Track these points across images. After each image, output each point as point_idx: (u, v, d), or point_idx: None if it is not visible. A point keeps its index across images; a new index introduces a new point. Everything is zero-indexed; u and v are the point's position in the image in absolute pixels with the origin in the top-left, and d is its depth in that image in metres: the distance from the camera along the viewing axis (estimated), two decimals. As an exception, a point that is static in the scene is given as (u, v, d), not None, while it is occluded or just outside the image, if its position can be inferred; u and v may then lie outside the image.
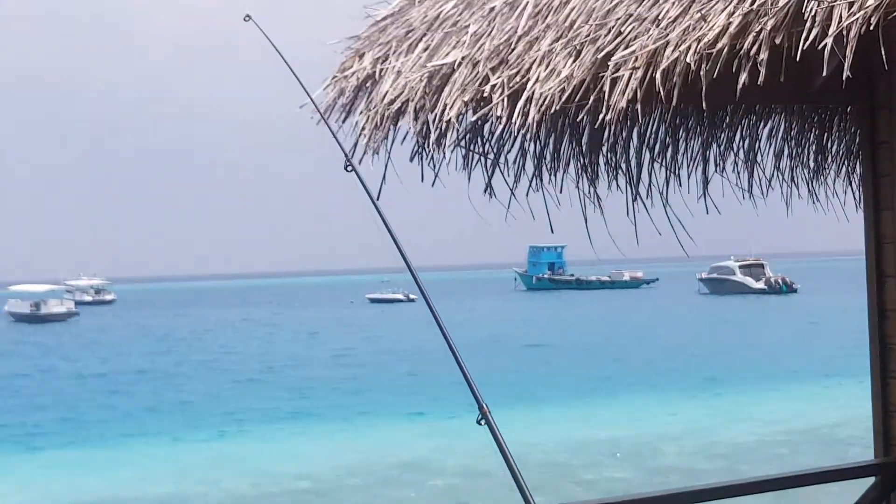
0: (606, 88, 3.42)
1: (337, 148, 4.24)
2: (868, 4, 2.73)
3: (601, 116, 3.44)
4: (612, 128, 4.87)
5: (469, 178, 4.74)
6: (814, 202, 5.55)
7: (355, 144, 4.41)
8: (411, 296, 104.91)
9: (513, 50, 3.91)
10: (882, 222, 5.06)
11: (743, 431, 27.31)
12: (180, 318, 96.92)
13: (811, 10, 2.85)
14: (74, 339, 74.14)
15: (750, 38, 3.10)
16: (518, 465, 3.30)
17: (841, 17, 2.79)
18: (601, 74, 3.46)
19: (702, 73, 3.19)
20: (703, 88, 3.23)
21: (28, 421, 34.64)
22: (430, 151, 4.52)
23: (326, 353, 57.47)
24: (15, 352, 64.46)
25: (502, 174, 4.79)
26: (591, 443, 26.82)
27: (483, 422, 3.35)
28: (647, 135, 5.10)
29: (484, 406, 3.36)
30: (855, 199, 5.47)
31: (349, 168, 3.89)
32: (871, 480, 4.98)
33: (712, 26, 3.22)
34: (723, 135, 5.26)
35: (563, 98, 3.58)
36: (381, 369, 49.53)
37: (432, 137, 4.25)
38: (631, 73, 3.36)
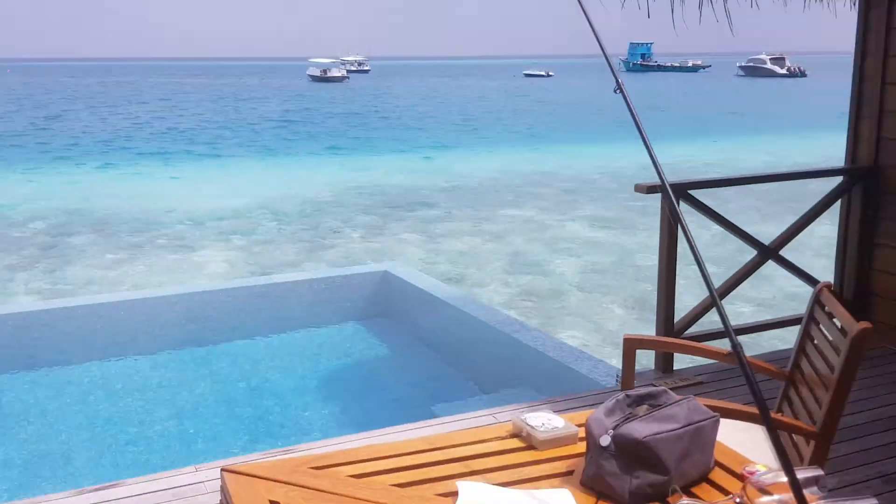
0: None
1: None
2: None
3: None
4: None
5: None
6: (818, 2, 4.94)
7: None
8: (549, 72, 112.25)
9: None
10: (870, 17, 4.83)
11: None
12: (417, 82, 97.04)
13: None
14: (351, 90, 75.70)
15: None
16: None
17: None
18: None
19: None
20: None
21: (328, 140, 34.53)
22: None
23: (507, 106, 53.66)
24: (309, 96, 65.87)
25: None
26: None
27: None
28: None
29: (620, 81, 2.22)
30: (850, 4, 4.94)
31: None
32: (839, 178, 4.93)
33: None
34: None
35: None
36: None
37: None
38: None
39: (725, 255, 11.19)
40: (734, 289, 4.62)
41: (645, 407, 1.81)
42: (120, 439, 4.83)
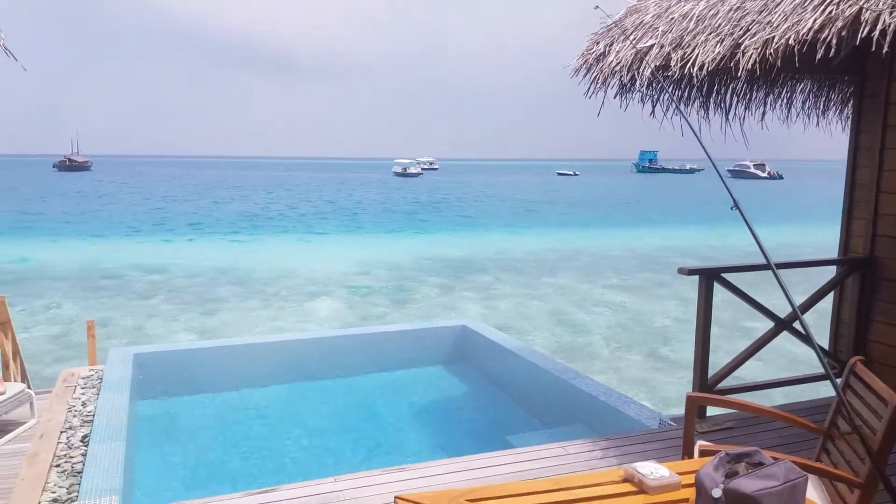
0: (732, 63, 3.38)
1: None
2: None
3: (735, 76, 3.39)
4: (720, 83, 4.64)
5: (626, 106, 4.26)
6: (816, 126, 4.87)
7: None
8: (576, 172, 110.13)
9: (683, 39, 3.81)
10: (860, 138, 4.74)
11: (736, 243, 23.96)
12: (473, 178, 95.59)
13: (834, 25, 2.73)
14: (425, 183, 75.59)
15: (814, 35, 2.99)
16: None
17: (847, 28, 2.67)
18: (735, 53, 3.35)
19: (771, 56, 3.02)
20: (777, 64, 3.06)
21: (408, 220, 34.04)
22: (632, 92, 4.23)
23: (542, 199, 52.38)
24: (393, 187, 66.68)
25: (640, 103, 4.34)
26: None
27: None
28: (740, 85, 4.63)
29: (735, 200, 2.19)
30: (842, 126, 4.85)
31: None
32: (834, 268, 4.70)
33: (783, 30, 3.11)
34: (777, 88, 4.76)
35: (712, 67, 3.48)
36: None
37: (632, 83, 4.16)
38: (743, 54, 3.26)
39: (728, 318, 10.82)
40: (761, 349, 4.37)
41: (743, 465, 1.64)
42: (270, 451, 4.73)
